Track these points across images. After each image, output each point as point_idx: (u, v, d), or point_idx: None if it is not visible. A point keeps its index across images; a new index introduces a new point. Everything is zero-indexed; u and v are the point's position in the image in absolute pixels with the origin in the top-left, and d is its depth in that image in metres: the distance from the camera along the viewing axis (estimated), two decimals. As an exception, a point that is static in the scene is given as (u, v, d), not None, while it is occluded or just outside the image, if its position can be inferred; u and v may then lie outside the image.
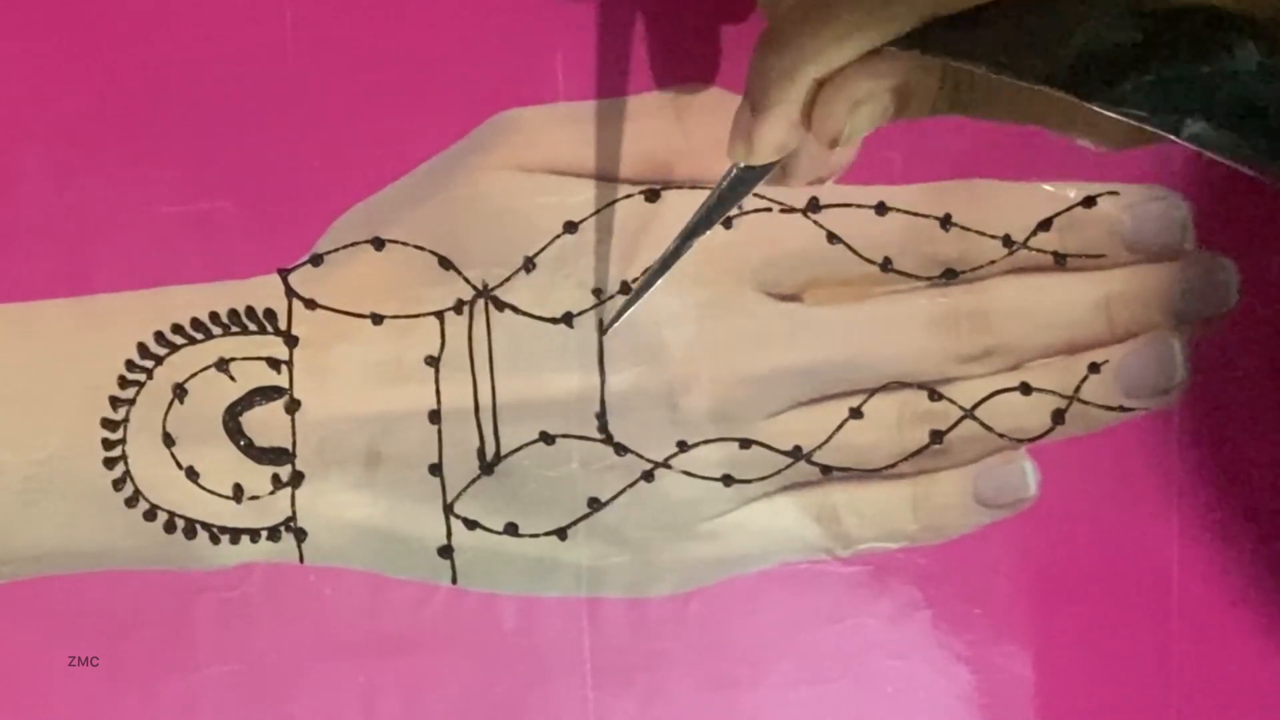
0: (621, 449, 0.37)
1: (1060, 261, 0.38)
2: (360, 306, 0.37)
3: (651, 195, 0.37)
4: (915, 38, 0.27)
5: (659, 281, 0.34)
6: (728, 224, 0.37)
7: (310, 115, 0.37)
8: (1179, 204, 0.37)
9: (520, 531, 0.37)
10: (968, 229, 0.37)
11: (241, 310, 0.37)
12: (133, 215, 0.37)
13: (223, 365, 0.37)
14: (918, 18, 0.26)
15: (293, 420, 0.37)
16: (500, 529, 0.37)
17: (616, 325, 0.36)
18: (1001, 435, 0.38)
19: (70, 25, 0.37)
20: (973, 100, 0.29)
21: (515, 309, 0.37)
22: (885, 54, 0.27)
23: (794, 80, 0.28)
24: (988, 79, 0.29)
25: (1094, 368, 0.37)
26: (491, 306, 0.37)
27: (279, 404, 0.37)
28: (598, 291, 0.37)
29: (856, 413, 0.37)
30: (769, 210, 0.37)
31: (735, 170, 0.31)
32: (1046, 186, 0.38)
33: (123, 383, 0.37)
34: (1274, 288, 0.37)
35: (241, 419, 0.37)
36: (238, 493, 0.37)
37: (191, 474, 0.37)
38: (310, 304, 0.37)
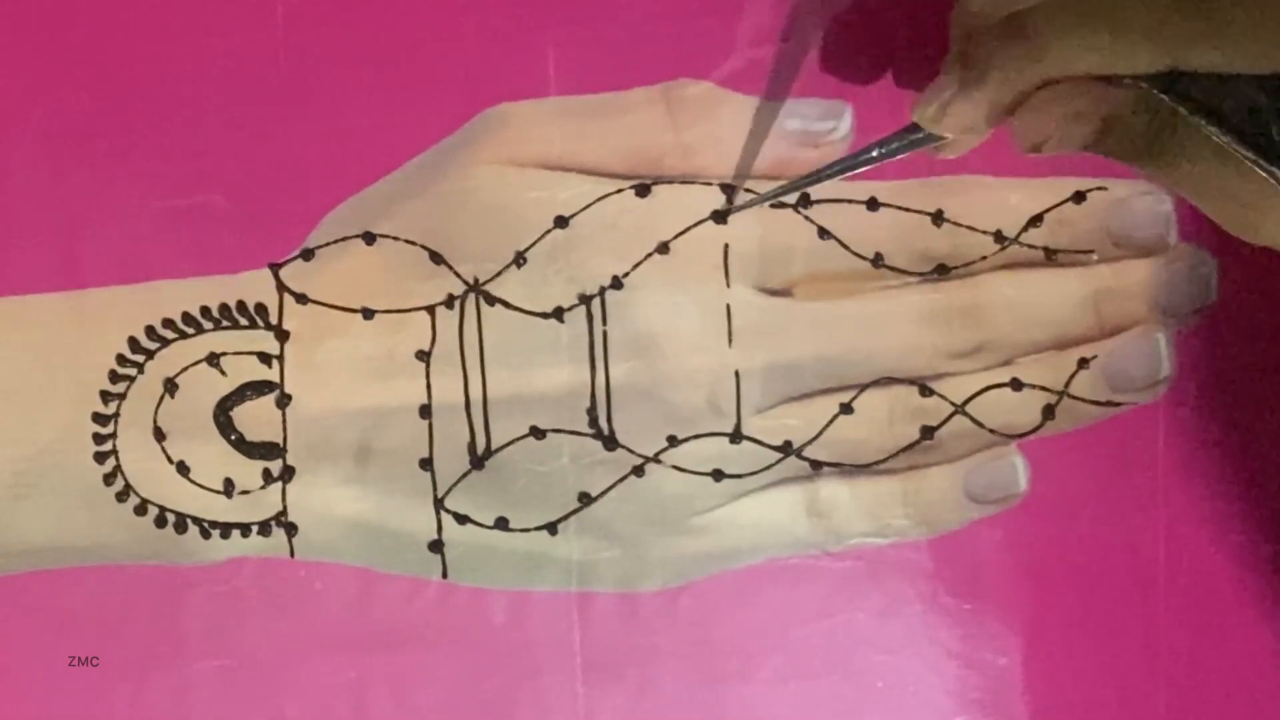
0: (612, 444, 0.37)
1: (1051, 257, 0.38)
2: (351, 301, 0.37)
3: (642, 190, 0.37)
4: (1158, 78, 0.27)
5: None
6: (721, 219, 0.37)
7: (301, 110, 0.37)
8: (1164, 199, 0.37)
9: (511, 526, 0.37)
10: (959, 224, 0.37)
11: (232, 305, 0.37)
12: (124, 210, 0.37)
13: (214, 360, 0.37)
14: (1169, 61, 0.27)
15: (284, 415, 0.37)
16: (491, 524, 0.37)
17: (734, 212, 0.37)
18: (992, 431, 0.38)
19: (61, 20, 0.37)
20: (1163, 156, 0.30)
21: (506, 304, 0.37)
22: (1112, 81, 0.27)
23: (1024, 72, 0.28)
24: (1185, 144, 0.29)
25: (1083, 363, 0.37)
26: (482, 301, 0.37)
27: (270, 399, 0.37)
28: (584, 292, 0.37)
29: (847, 408, 0.37)
30: (760, 205, 0.37)
31: (907, 134, 0.32)
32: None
33: (113, 377, 0.37)
34: (1253, 281, 0.38)
35: (232, 414, 0.37)
36: (228, 487, 0.37)
37: (182, 469, 0.37)
38: (301, 298, 0.37)
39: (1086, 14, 0.27)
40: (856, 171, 0.34)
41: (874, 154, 0.33)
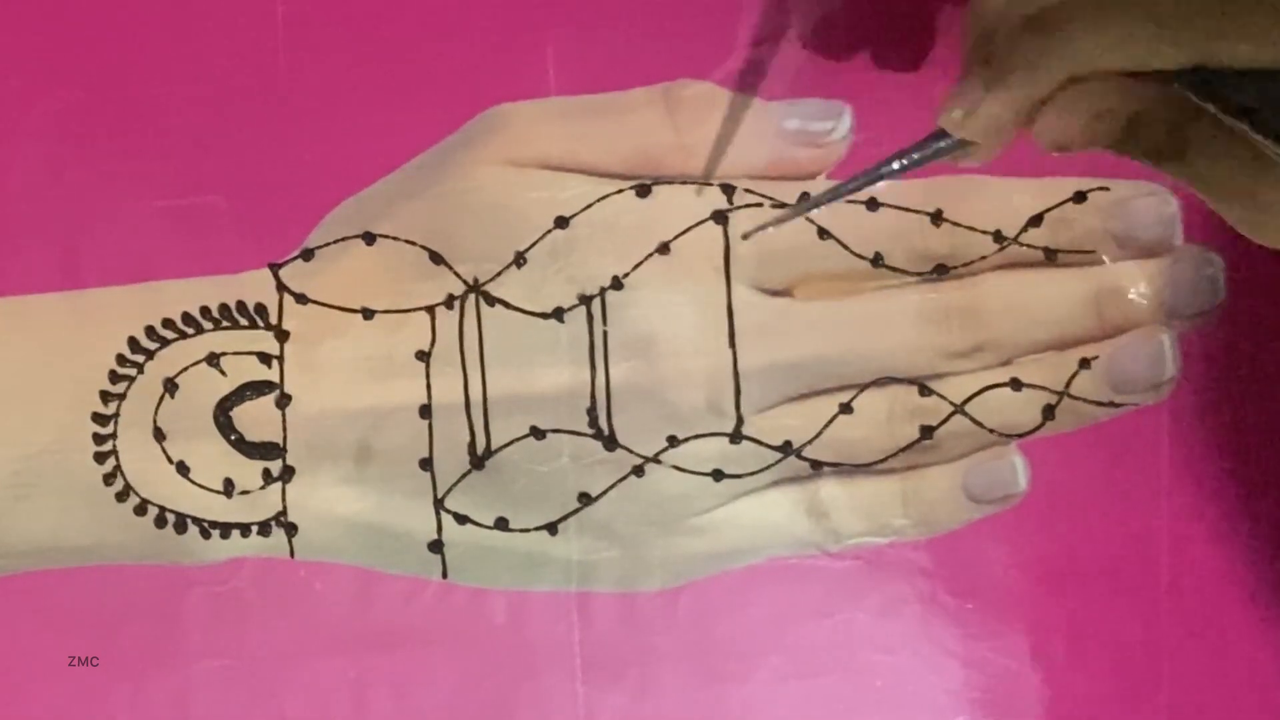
0: (612, 444, 0.37)
1: (1051, 257, 0.37)
2: (351, 301, 0.37)
3: (643, 190, 0.37)
4: (1186, 75, 0.27)
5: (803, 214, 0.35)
6: (722, 220, 0.37)
7: (301, 110, 0.37)
8: (1169, 199, 0.37)
9: (510, 526, 0.37)
10: (959, 224, 0.37)
11: (232, 305, 0.37)
12: (123, 210, 0.37)
13: (213, 360, 0.37)
14: (1197, 56, 0.26)
15: (283, 415, 0.37)
16: (491, 524, 0.37)
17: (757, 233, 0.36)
18: (992, 431, 0.38)
19: (60, 20, 0.37)
20: (1181, 155, 0.29)
21: (506, 304, 0.37)
22: (1138, 78, 0.27)
23: (1051, 69, 0.28)
24: (1203, 143, 0.29)
25: (1084, 363, 0.37)
26: (482, 301, 0.37)
27: (270, 399, 0.37)
28: (585, 292, 0.37)
29: (847, 408, 0.37)
30: (760, 205, 0.37)
31: (932, 141, 0.31)
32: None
33: (113, 377, 0.37)
34: (1261, 282, 0.38)
35: (232, 414, 0.37)
36: (228, 487, 0.37)
37: (182, 469, 0.37)
38: (301, 299, 0.37)
39: (1114, 8, 0.27)
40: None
41: (895, 165, 0.33)
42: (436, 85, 0.37)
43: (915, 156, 0.32)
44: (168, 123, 0.37)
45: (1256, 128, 0.27)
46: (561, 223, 0.37)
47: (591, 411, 0.37)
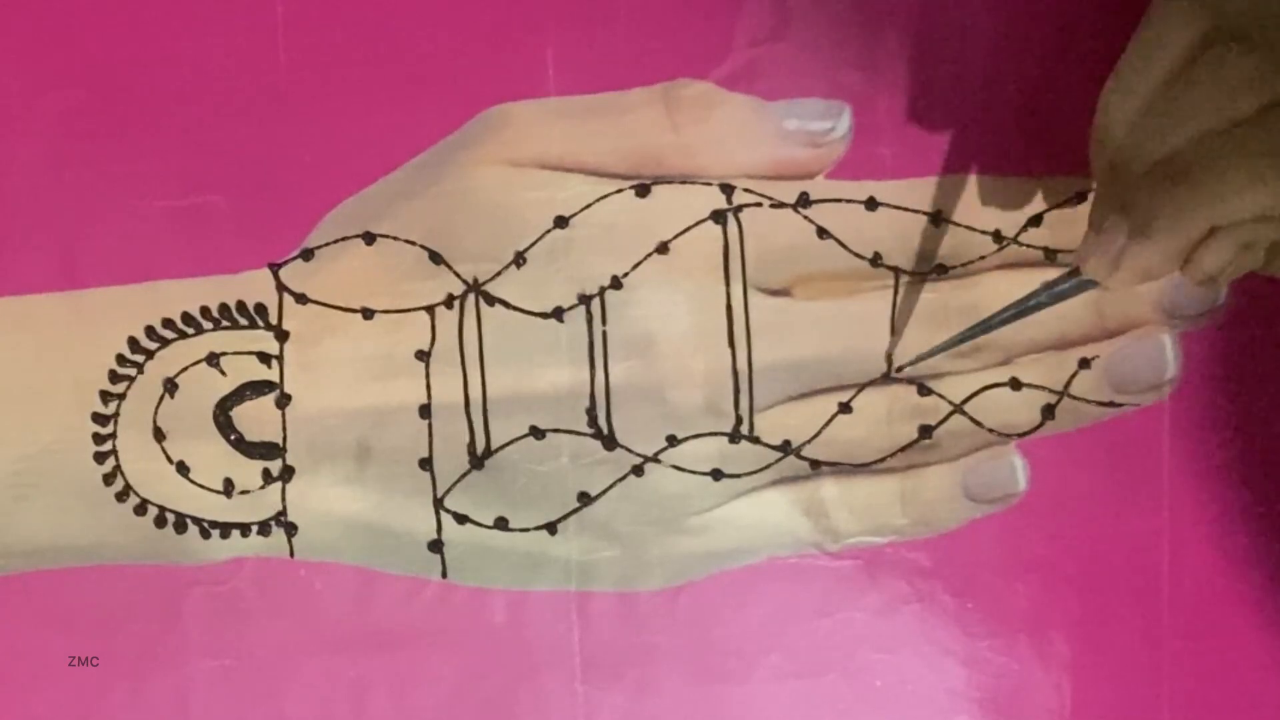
0: (611, 443, 0.37)
1: (1051, 257, 0.38)
2: (351, 301, 0.37)
3: (642, 190, 0.37)
4: None
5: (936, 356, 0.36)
6: (721, 219, 0.37)
7: (301, 110, 0.37)
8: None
9: (510, 526, 0.37)
10: (958, 224, 0.38)
11: (232, 305, 0.37)
12: (124, 210, 0.37)
13: (213, 360, 0.37)
14: None
15: (283, 415, 0.37)
16: (490, 523, 0.37)
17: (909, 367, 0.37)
18: (991, 430, 0.38)
19: (61, 19, 0.37)
20: None
21: (506, 304, 0.37)
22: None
23: (1196, 221, 0.28)
24: None
25: (1084, 363, 0.37)
26: (482, 301, 0.37)
27: (269, 399, 0.37)
28: (584, 292, 0.37)
29: (846, 407, 0.37)
30: (759, 205, 0.37)
31: (1076, 279, 0.32)
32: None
33: (113, 377, 0.37)
34: (1262, 283, 0.38)
35: (232, 413, 0.37)
36: (228, 487, 0.37)
37: (182, 468, 0.37)
38: (301, 298, 0.37)
39: (1251, 154, 0.28)
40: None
41: (1043, 298, 0.34)
42: (436, 85, 0.37)
43: (1063, 288, 0.33)
44: (168, 123, 0.37)
45: None
46: (561, 223, 0.37)
47: (591, 411, 0.37)
